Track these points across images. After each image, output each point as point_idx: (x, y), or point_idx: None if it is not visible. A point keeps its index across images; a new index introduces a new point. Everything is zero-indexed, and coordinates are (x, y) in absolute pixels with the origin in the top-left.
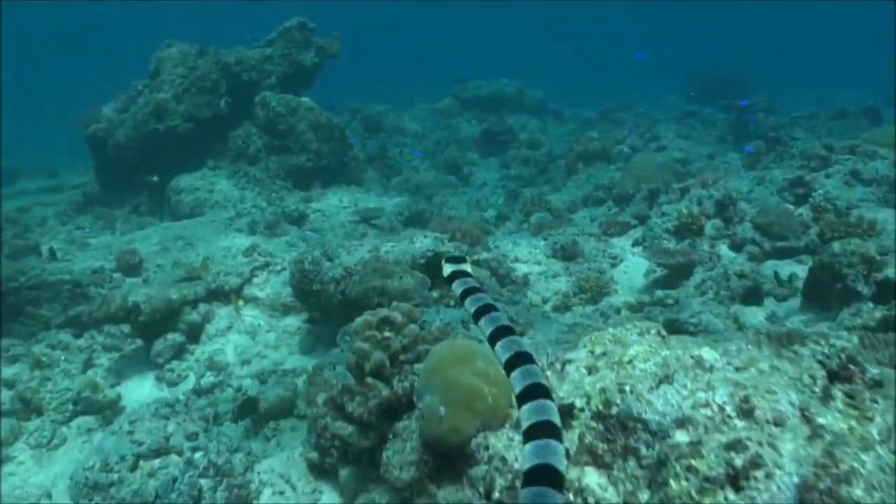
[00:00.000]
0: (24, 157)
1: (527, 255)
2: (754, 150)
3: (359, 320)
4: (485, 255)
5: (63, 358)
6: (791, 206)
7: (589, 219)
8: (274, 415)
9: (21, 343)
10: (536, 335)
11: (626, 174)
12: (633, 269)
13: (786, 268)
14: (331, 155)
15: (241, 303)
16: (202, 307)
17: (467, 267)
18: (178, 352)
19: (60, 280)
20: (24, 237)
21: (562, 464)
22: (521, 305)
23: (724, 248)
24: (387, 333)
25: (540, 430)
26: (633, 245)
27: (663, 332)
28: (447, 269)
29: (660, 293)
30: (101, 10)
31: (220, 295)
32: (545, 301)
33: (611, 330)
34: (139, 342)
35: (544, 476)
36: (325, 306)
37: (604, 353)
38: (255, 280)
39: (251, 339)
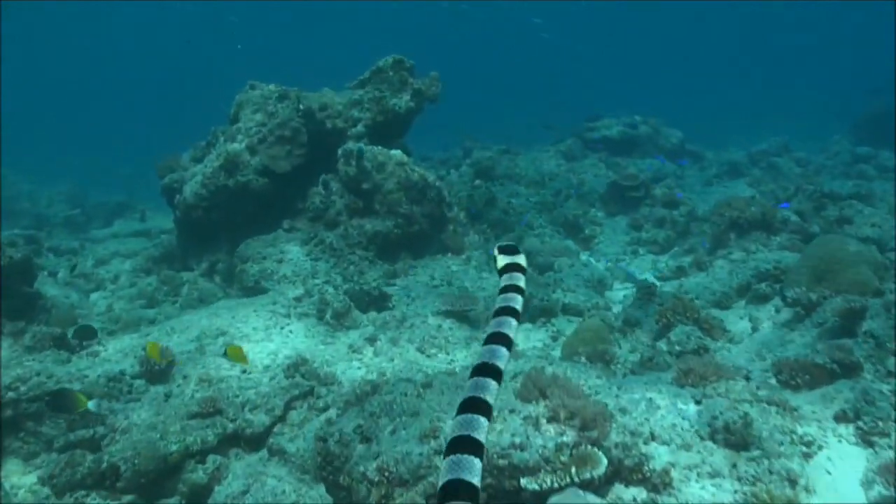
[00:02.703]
0: (142, 191)
1: (668, 431)
2: None
3: None
4: (596, 470)
5: None
6: None
7: (749, 321)
8: None
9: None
10: None
11: (802, 264)
12: (840, 466)
13: None
14: (424, 219)
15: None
16: (212, 460)
17: (522, 260)
18: None
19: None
20: (72, 311)
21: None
22: None
23: None
24: None
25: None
26: (837, 420)
27: None
28: (501, 260)
29: None
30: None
31: (240, 440)
32: None
33: None
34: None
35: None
36: None
37: None
38: (290, 417)
39: None
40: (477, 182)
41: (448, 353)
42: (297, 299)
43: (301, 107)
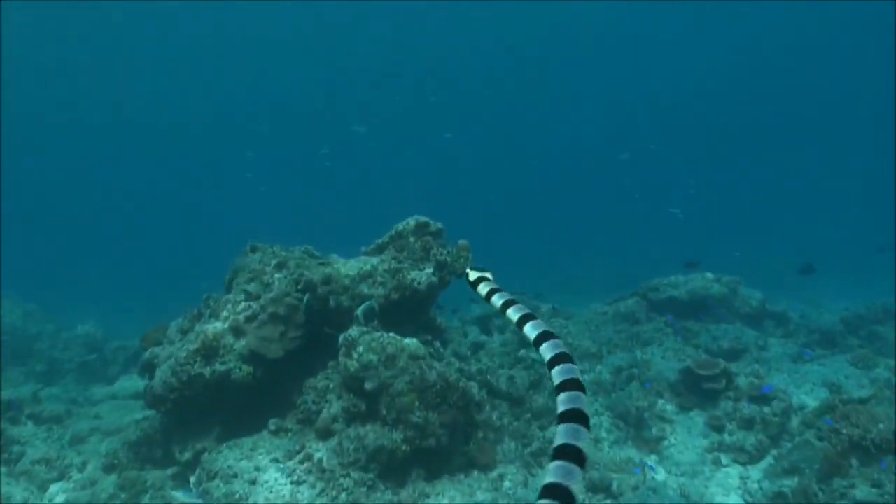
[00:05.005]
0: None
1: None
2: None
3: None
4: None
5: None
6: None
7: None
8: None
9: None
10: None
11: None
12: None
13: None
14: (442, 429)
15: None
16: None
17: (489, 275)
18: None
19: None
20: None
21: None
22: None
23: None
24: None
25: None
26: None
27: None
28: (472, 275)
29: None
30: None
31: None
32: None
33: None
34: None
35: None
36: None
37: None
38: None
39: None
40: (521, 353)
41: None
42: None
43: (300, 279)
